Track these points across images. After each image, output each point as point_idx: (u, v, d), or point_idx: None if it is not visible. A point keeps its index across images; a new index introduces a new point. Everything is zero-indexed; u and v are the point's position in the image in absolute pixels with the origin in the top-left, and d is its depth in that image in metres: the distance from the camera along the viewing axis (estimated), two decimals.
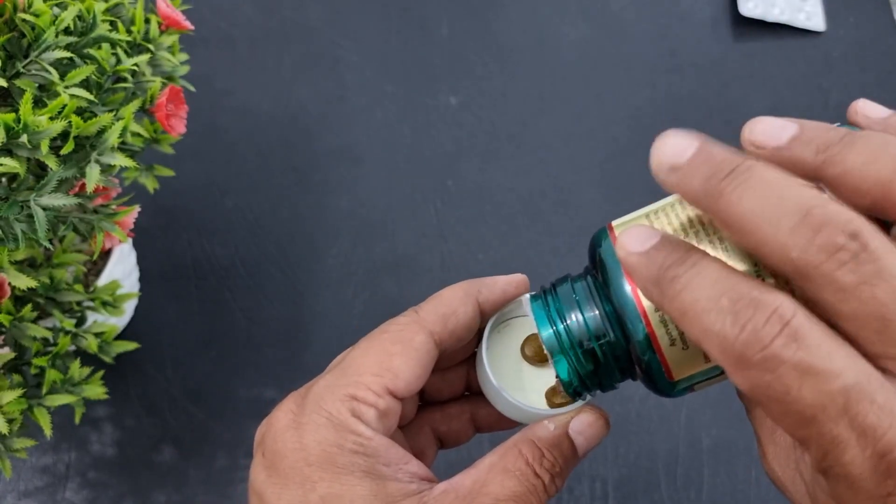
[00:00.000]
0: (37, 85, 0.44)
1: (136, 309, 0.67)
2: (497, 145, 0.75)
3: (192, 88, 0.55)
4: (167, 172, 0.55)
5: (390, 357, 0.35)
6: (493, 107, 0.77)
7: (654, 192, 0.75)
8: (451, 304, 0.37)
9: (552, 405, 0.37)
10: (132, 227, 0.50)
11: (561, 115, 0.77)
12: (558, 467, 0.35)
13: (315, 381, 0.36)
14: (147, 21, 0.52)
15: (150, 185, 0.55)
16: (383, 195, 0.73)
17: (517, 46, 0.81)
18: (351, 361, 0.36)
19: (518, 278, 0.39)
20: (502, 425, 0.42)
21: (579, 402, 0.36)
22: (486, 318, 0.38)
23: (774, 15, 0.81)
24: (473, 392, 0.42)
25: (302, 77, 0.78)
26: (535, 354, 0.39)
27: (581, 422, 0.36)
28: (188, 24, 0.53)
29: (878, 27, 0.83)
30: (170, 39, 0.53)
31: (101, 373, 0.51)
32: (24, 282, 0.46)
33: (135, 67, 0.48)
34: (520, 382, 0.38)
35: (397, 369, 0.35)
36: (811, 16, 0.82)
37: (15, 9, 0.44)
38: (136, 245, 0.66)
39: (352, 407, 0.34)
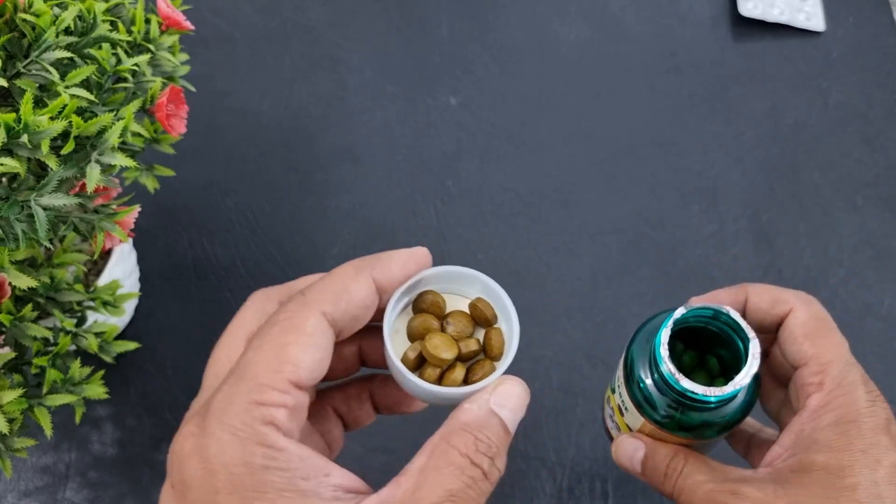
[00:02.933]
0: (37, 85, 0.44)
1: (137, 309, 0.67)
2: (497, 145, 0.75)
3: (192, 89, 0.55)
4: (167, 172, 0.55)
5: (285, 348, 0.32)
6: (493, 107, 0.77)
7: (653, 192, 0.75)
8: (343, 282, 0.35)
9: (458, 384, 0.37)
10: (132, 226, 0.50)
11: (561, 116, 0.77)
12: (494, 447, 0.33)
13: (213, 393, 0.32)
14: (147, 21, 0.52)
15: (151, 184, 0.55)
16: (383, 195, 0.73)
17: (517, 47, 0.81)
18: (246, 363, 0.32)
19: (417, 253, 0.37)
20: (402, 408, 0.42)
21: (492, 377, 0.36)
22: (386, 295, 0.37)
23: (774, 15, 0.81)
24: (369, 366, 0.41)
25: (302, 77, 0.78)
26: (458, 332, 0.38)
27: (501, 395, 0.35)
28: (188, 25, 0.53)
29: (877, 27, 0.83)
30: (170, 40, 0.53)
31: (101, 372, 0.51)
32: (24, 281, 0.46)
33: (135, 67, 0.48)
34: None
35: (295, 359, 0.32)
36: (811, 16, 0.82)
37: (15, 9, 0.44)
38: (136, 245, 0.66)
39: (260, 414, 0.31)
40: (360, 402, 0.41)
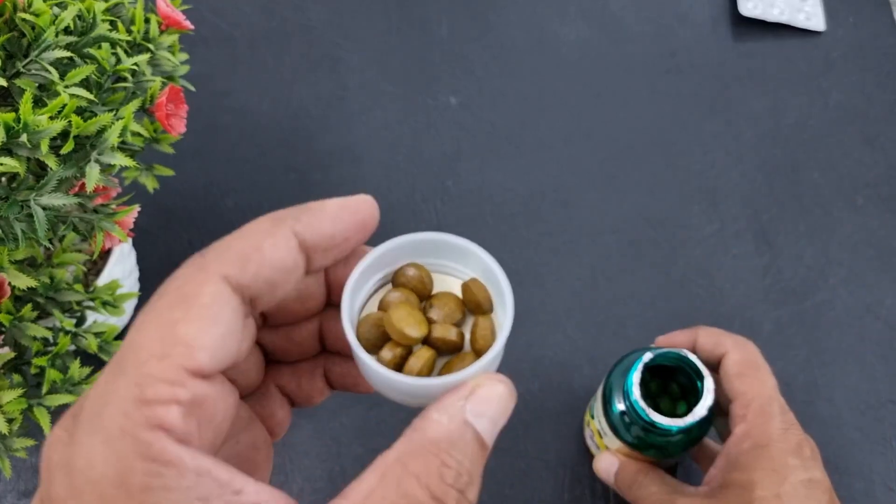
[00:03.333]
0: (37, 85, 0.44)
1: (136, 309, 0.67)
2: (497, 145, 0.75)
3: (192, 88, 0.55)
4: (167, 172, 0.55)
5: (174, 326, 0.25)
6: (493, 107, 0.77)
7: (653, 192, 0.75)
8: (253, 238, 0.27)
9: (423, 373, 0.30)
10: (132, 226, 0.50)
11: (561, 116, 0.77)
12: (465, 475, 0.25)
13: (90, 388, 0.26)
14: (147, 21, 0.51)
15: (150, 184, 0.55)
16: (383, 195, 0.73)
17: (517, 47, 0.81)
18: (127, 348, 0.25)
19: (354, 202, 0.30)
20: (360, 387, 0.34)
21: (469, 370, 0.29)
22: (318, 257, 0.29)
23: (774, 15, 0.81)
24: (330, 350, 0.34)
25: (302, 77, 0.78)
26: (443, 319, 0.32)
27: (480, 399, 0.27)
28: (188, 24, 0.53)
29: (877, 27, 0.83)
30: (170, 39, 0.52)
31: (101, 372, 0.51)
32: (24, 281, 0.46)
33: (135, 67, 0.48)
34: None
35: (188, 338, 0.24)
36: (811, 16, 0.82)
37: (15, 8, 0.44)
38: (136, 245, 0.66)
39: (144, 416, 0.23)
40: (312, 378, 0.34)
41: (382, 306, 0.32)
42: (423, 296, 0.33)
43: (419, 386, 0.28)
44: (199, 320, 0.25)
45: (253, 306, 0.28)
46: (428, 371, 0.30)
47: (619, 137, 0.76)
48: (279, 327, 0.33)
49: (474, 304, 0.32)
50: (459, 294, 0.33)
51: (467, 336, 0.32)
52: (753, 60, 0.80)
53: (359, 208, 0.30)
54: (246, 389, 0.32)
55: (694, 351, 0.55)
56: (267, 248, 0.27)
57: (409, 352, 0.31)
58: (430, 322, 0.32)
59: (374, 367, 0.29)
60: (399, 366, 0.30)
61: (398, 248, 0.32)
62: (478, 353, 0.31)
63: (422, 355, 0.30)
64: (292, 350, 0.33)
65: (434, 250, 0.33)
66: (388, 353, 0.30)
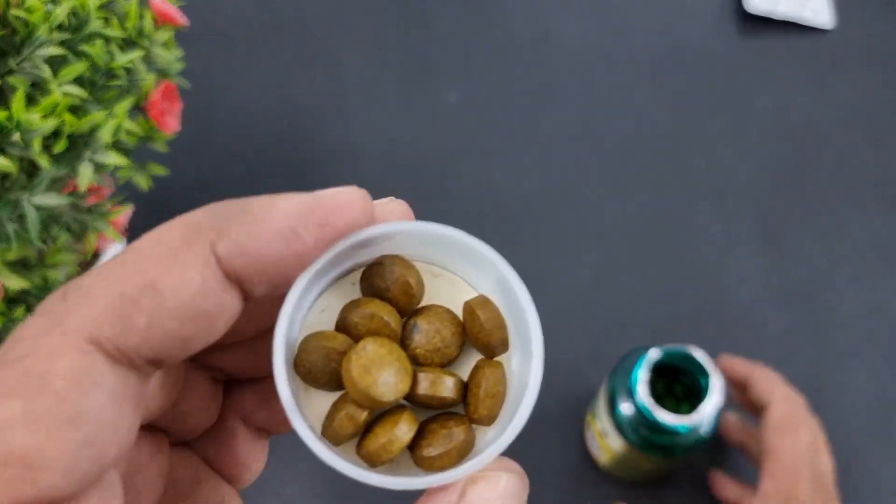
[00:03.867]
0: (30, 83, 0.44)
1: None
2: (498, 143, 0.75)
3: (187, 86, 0.54)
4: (161, 171, 0.54)
5: (4, 434, 0.17)
6: (494, 104, 0.77)
7: (658, 190, 0.75)
8: (144, 269, 0.18)
9: (391, 454, 0.21)
10: (126, 226, 0.49)
11: (563, 113, 0.76)
12: None
13: None
14: (141, 17, 0.51)
15: (144, 183, 0.54)
16: (381, 194, 0.72)
17: (519, 43, 0.80)
18: None
19: (330, 202, 0.20)
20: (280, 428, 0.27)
21: (464, 468, 0.20)
22: (260, 288, 0.20)
23: (780, 11, 0.80)
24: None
25: (299, 74, 0.77)
26: (430, 348, 0.22)
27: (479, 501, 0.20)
28: (182, 20, 0.53)
29: (885, 25, 0.82)
30: (165, 36, 0.52)
31: None
32: (16, 283, 0.45)
33: (130, 65, 0.48)
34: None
35: (28, 455, 0.17)
36: (817, 13, 0.81)
37: (8, 5, 0.43)
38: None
39: None
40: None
41: (343, 325, 0.22)
42: (405, 308, 0.22)
43: (386, 486, 0.20)
44: (46, 420, 0.17)
45: (155, 366, 0.19)
46: (403, 446, 0.21)
47: (622, 135, 0.75)
48: (234, 345, 0.24)
49: (480, 337, 0.22)
50: (459, 314, 0.23)
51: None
52: (760, 58, 0.80)
53: (332, 213, 0.20)
54: (190, 435, 0.24)
55: (744, 388, 0.57)
56: (166, 287, 0.18)
57: (372, 414, 0.21)
58: (412, 360, 0.22)
59: (315, 450, 0.20)
60: (356, 435, 0.21)
61: (374, 242, 0.22)
62: (477, 420, 0.21)
63: (396, 429, 0.21)
64: (260, 365, 0.24)
65: (429, 244, 0.23)
66: (346, 420, 0.21)
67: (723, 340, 0.65)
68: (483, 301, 0.22)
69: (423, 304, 0.23)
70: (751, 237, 0.71)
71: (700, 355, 0.52)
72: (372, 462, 0.20)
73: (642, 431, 0.53)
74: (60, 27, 0.45)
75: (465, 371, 0.23)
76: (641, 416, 0.52)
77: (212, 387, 0.24)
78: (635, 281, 0.69)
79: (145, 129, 0.51)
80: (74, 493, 0.17)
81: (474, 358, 0.23)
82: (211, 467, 0.24)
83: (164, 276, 0.18)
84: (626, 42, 0.80)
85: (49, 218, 0.44)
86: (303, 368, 0.21)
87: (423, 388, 0.21)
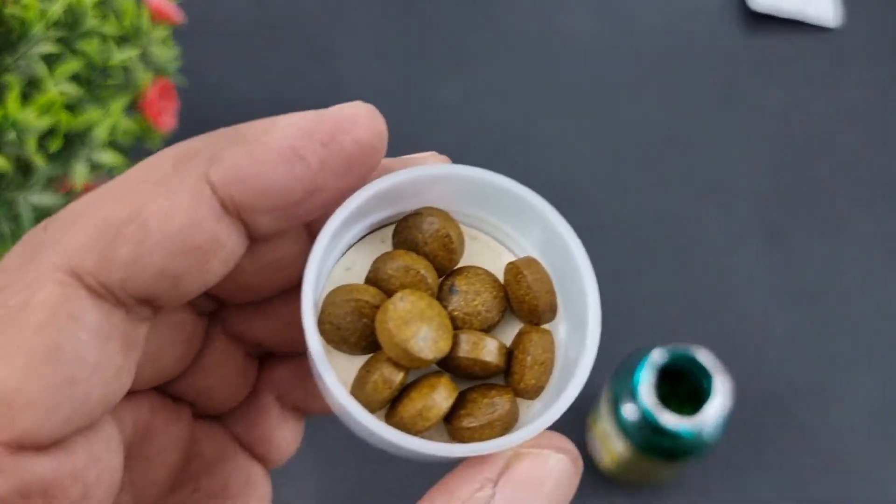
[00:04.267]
0: (25, 81, 0.43)
1: None
2: (499, 142, 0.74)
3: (183, 83, 0.54)
4: None
5: None
6: (496, 102, 0.76)
7: (662, 188, 0.74)
8: (131, 196, 0.17)
9: (430, 422, 0.18)
10: None
11: (566, 111, 0.76)
12: None
13: None
14: (138, 14, 0.50)
15: None
16: None
17: (520, 39, 0.80)
18: None
19: (338, 118, 0.19)
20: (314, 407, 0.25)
21: (509, 440, 0.18)
22: (263, 221, 0.18)
23: (784, 9, 0.80)
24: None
25: (297, 70, 0.77)
26: (469, 309, 0.20)
27: (518, 489, 0.17)
28: (179, 16, 0.52)
29: (891, 22, 0.82)
30: (161, 33, 0.51)
31: None
32: None
33: (126, 63, 0.47)
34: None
35: (6, 391, 0.15)
36: (822, 10, 0.81)
37: (3, 3, 0.43)
38: None
39: None
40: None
41: (375, 278, 0.20)
42: (445, 269, 0.20)
43: (422, 454, 0.18)
44: (21, 354, 0.15)
45: (149, 306, 0.17)
46: (442, 414, 0.18)
47: (625, 133, 0.75)
48: (267, 314, 0.21)
49: (527, 301, 0.20)
50: (500, 276, 0.20)
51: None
52: (764, 55, 0.79)
53: (337, 129, 0.18)
54: (219, 409, 0.22)
55: None
56: (152, 216, 0.16)
57: (406, 378, 0.19)
58: (452, 322, 0.19)
59: (345, 406, 0.17)
60: (391, 401, 0.19)
61: (408, 188, 0.19)
62: (521, 392, 0.19)
63: (434, 393, 0.18)
64: (297, 340, 0.20)
65: (469, 195, 0.20)
66: (381, 382, 0.18)
67: (727, 340, 0.64)
68: (529, 261, 0.20)
69: (462, 261, 0.21)
70: (756, 236, 0.70)
71: (703, 356, 0.52)
72: (406, 430, 0.18)
73: (645, 434, 0.53)
74: (56, 24, 0.45)
75: (506, 339, 0.20)
76: (644, 418, 0.51)
77: (245, 360, 0.22)
78: (638, 280, 0.68)
79: (141, 126, 0.51)
80: (58, 437, 0.16)
81: (516, 327, 0.20)
82: (240, 444, 0.23)
83: (150, 205, 0.16)
84: (628, 39, 0.80)
85: (45, 217, 0.44)
86: (329, 325, 0.19)
87: (464, 349, 0.19)
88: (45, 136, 0.43)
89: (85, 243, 0.16)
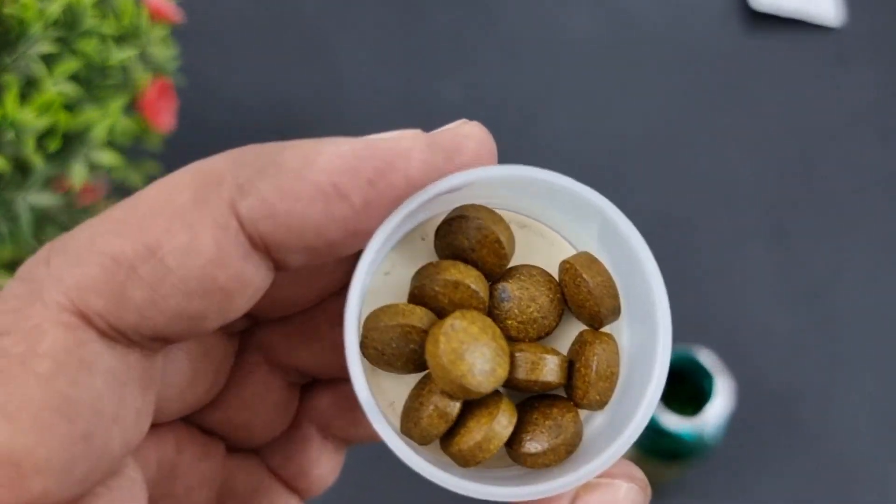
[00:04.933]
0: (24, 80, 0.43)
1: None
2: (500, 141, 0.74)
3: (182, 83, 0.53)
4: (155, 169, 0.54)
5: None
6: (497, 101, 0.76)
7: (663, 188, 0.74)
8: (147, 226, 0.15)
9: (487, 454, 0.17)
10: None
11: (567, 110, 0.76)
12: None
13: None
14: (137, 13, 0.50)
15: (139, 180, 0.53)
16: None
17: (521, 38, 0.79)
18: None
19: (395, 148, 0.16)
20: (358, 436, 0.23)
21: (576, 476, 0.17)
22: (294, 258, 0.16)
23: (785, 8, 0.80)
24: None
25: (296, 70, 0.77)
26: (525, 320, 0.18)
27: None
28: (177, 15, 0.52)
29: (893, 21, 0.81)
30: (160, 33, 0.51)
31: None
32: None
33: (125, 62, 0.47)
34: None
35: (14, 454, 0.14)
36: (823, 9, 0.81)
37: (2, 2, 0.43)
38: None
39: None
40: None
41: (421, 295, 0.18)
42: (494, 273, 0.18)
43: (495, 498, 0.16)
44: (29, 411, 0.14)
45: (161, 342, 0.16)
46: (500, 442, 0.17)
47: (627, 133, 0.75)
48: (308, 341, 0.20)
49: (587, 306, 0.18)
50: (556, 275, 0.19)
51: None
52: (766, 55, 0.79)
53: (389, 166, 0.16)
54: (257, 442, 0.21)
55: None
56: (170, 254, 0.15)
57: (463, 405, 0.17)
58: (503, 334, 0.17)
59: (409, 461, 0.16)
60: (448, 433, 0.17)
61: (452, 187, 0.17)
62: (584, 406, 0.18)
63: (494, 423, 0.17)
64: (339, 364, 0.19)
65: (512, 194, 0.19)
66: (431, 412, 0.17)
67: (729, 341, 0.64)
68: (589, 260, 0.18)
69: (512, 261, 0.19)
70: (757, 236, 0.70)
71: (705, 357, 0.52)
72: (465, 462, 0.17)
73: (646, 435, 0.52)
74: (55, 24, 0.45)
75: (563, 343, 0.19)
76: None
77: (286, 390, 0.20)
78: None
79: (140, 126, 0.51)
80: (76, 496, 0.14)
81: (574, 327, 0.19)
82: (276, 475, 0.21)
83: (169, 240, 0.15)
84: (630, 39, 0.80)
85: (43, 218, 0.44)
86: (373, 351, 0.17)
87: (523, 371, 0.17)
88: (44, 136, 0.43)
89: (94, 282, 0.14)
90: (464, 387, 0.16)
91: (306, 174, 0.15)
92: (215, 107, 0.74)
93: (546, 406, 0.18)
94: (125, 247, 0.15)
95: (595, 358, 0.18)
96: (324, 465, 0.21)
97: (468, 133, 0.18)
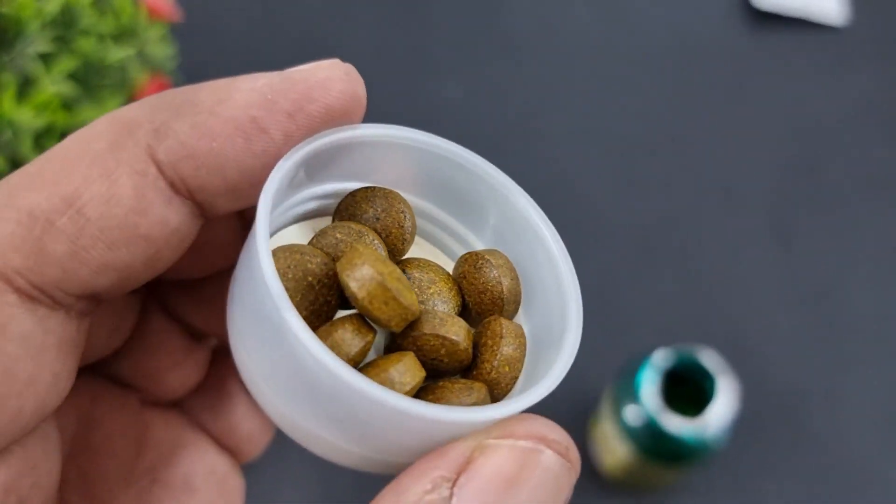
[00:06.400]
0: (21, 80, 0.43)
1: None
2: (502, 140, 0.74)
3: (180, 82, 0.53)
4: None
5: None
6: (498, 99, 0.76)
7: (666, 188, 0.74)
8: (60, 184, 0.14)
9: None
10: None
11: (568, 108, 0.76)
12: None
13: None
14: (134, 12, 0.50)
15: None
16: None
17: (523, 36, 0.79)
18: None
19: (306, 81, 0.16)
20: (245, 446, 0.23)
21: (495, 410, 0.15)
22: (221, 202, 0.16)
23: (788, 7, 0.80)
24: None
25: None
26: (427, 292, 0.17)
27: (479, 486, 0.13)
28: (175, 14, 0.52)
29: None
30: (158, 31, 0.51)
31: None
32: None
33: (122, 62, 0.47)
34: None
35: None
36: (827, 9, 0.80)
37: None
38: None
39: None
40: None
41: (318, 245, 0.17)
42: (396, 249, 0.18)
43: (384, 414, 0.14)
44: None
45: (93, 301, 0.15)
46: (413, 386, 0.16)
47: (629, 132, 0.75)
48: (207, 296, 0.19)
49: (488, 291, 0.18)
50: (450, 271, 0.18)
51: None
52: (769, 53, 0.79)
53: (307, 97, 0.15)
54: (171, 395, 0.20)
55: None
56: (89, 203, 0.14)
57: (366, 351, 0.16)
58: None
59: (309, 349, 0.14)
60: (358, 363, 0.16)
61: (361, 154, 0.17)
62: (491, 384, 0.17)
63: (399, 365, 0.15)
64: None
65: (418, 179, 0.18)
66: (343, 331, 0.15)
67: (733, 342, 0.64)
68: (491, 250, 0.17)
69: (410, 249, 0.18)
70: (760, 237, 0.70)
71: (708, 358, 0.51)
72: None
73: (648, 437, 0.52)
74: (52, 22, 0.44)
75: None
76: (647, 421, 0.51)
77: (188, 341, 0.20)
78: (642, 280, 0.68)
79: None
80: None
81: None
82: (206, 433, 0.21)
83: (87, 189, 0.14)
84: (632, 38, 0.80)
85: None
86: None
87: (431, 325, 0.16)
88: (41, 135, 0.43)
89: (10, 239, 0.14)
90: (384, 286, 0.15)
91: (222, 111, 0.15)
92: None
93: (454, 379, 0.17)
94: (41, 200, 0.14)
95: (502, 329, 0.17)
96: (251, 422, 0.21)
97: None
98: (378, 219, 0.17)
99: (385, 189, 0.18)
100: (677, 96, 0.77)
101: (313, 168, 0.17)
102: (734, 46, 0.80)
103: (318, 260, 0.16)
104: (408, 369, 0.15)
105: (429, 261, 0.18)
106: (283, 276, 0.16)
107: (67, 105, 0.44)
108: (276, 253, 0.16)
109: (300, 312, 0.16)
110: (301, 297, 0.16)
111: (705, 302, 0.67)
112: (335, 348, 0.15)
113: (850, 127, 0.76)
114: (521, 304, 0.18)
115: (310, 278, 0.16)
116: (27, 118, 0.41)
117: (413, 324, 0.16)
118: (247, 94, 0.15)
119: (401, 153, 0.18)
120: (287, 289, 0.15)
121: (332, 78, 0.16)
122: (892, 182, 0.73)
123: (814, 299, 0.68)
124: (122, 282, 0.15)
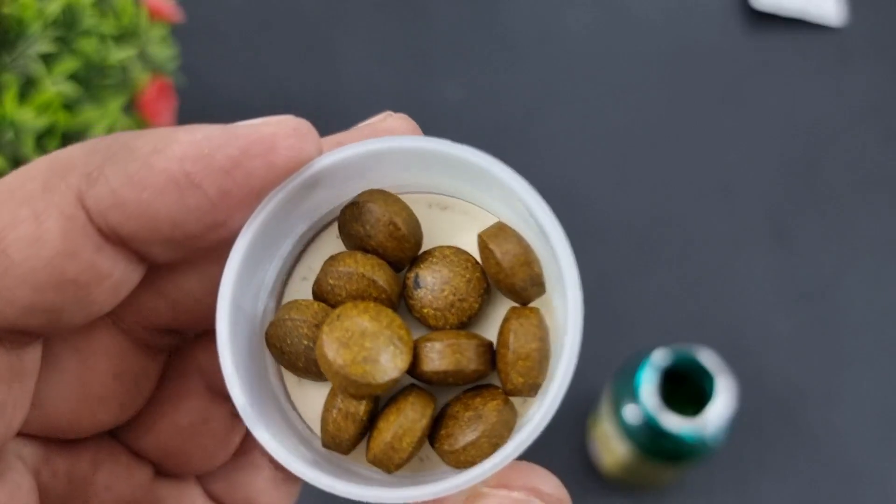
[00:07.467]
0: (23, 80, 0.43)
1: None
2: (501, 141, 0.74)
3: (181, 82, 0.53)
4: None
5: None
6: (497, 100, 0.76)
7: (664, 189, 0.74)
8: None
9: (403, 455, 0.16)
10: None
11: (568, 110, 0.76)
12: None
13: None
14: (136, 13, 0.50)
15: None
16: None
17: (522, 37, 0.79)
18: None
19: (250, 138, 0.15)
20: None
21: (501, 456, 0.15)
22: (157, 252, 0.15)
23: (787, 8, 0.80)
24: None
25: (296, 70, 0.77)
26: (442, 303, 0.17)
27: None
28: (177, 15, 0.52)
29: (895, 20, 0.81)
30: (159, 32, 0.51)
31: None
32: None
33: (124, 62, 0.47)
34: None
35: None
36: (825, 9, 0.80)
37: (1, 2, 0.43)
38: None
39: None
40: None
41: (319, 291, 0.17)
42: (402, 259, 0.17)
43: (340, 492, 0.15)
44: None
45: (26, 337, 0.15)
46: (416, 446, 0.15)
47: (627, 132, 0.75)
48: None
49: (501, 281, 0.16)
50: (472, 253, 0.17)
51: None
52: (768, 54, 0.79)
53: (247, 154, 0.14)
54: (193, 471, 0.19)
55: None
56: (13, 244, 0.14)
57: (375, 404, 0.16)
58: (423, 323, 0.16)
59: (270, 448, 0.15)
60: (363, 434, 0.16)
61: (348, 175, 0.16)
62: (511, 391, 0.16)
63: (401, 417, 0.15)
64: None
65: (427, 173, 0.18)
66: (335, 414, 0.16)
67: (731, 342, 0.64)
68: (497, 229, 0.16)
69: (426, 247, 0.17)
70: (759, 236, 0.70)
71: (706, 357, 0.51)
72: (385, 467, 0.15)
73: (647, 436, 0.52)
74: (54, 23, 0.44)
75: (493, 326, 0.17)
76: (646, 420, 0.51)
77: (230, 420, 0.19)
78: (641, 281, 0.68)
79: (139, 126, 0.51)
80: None
81: (505, 308, 0.17)
82: (219, 503, 0.20)
83: (13, 230, 0.14)
84: (631, 38, 0.80)
85: None
86: (275, 350, 0.16)
87: (431, 362, 0.15)
88: (43, 136, 0.43)
89: None
90: (349, 378, 0.15)
91: (156, 162, 0.14)
92: (215, 106, 0.74)
93: (470, 396, 0.16)
94: None
95: (511, 335, 0.16)
96: (273, 495, 0.19)
97: (391, 128, 0.17)
98: (370, 236, 0.17)
99: (371, 196, 0.17)
100: (676, 96, 0.77)
101: (305, 199, 0.16)
102: (733, 47, 0.79)
103: (313, 319, 0.16)
104: (414, 412, 0.15)
105: (445, 251, 0.17)
106: (282, 342, 0.16)
107: (69, 106, 0.44)
108: (279, 313, 0.16)
109: (308, 372, 0.16)
110: (305, 361, 0.16)
111: (704, 301, 0.67)
112: (338, 433, 0.16)
113: (849, 127, 0.76)
114: (554, 283, 0.17)
115: (305, 342, 0.16)
116: (29, 119, 0.41)
117: (414, 361, 0.16)
118: (184, 146, 0.14)
119: (398, 161, 0.17)
120: (289, 352, 0.16)
121: (277, 134, 0.15)
122: (889, 182, 0.73)
123: (812, 299, 0.68)
124: (54, 323, 0.14)
